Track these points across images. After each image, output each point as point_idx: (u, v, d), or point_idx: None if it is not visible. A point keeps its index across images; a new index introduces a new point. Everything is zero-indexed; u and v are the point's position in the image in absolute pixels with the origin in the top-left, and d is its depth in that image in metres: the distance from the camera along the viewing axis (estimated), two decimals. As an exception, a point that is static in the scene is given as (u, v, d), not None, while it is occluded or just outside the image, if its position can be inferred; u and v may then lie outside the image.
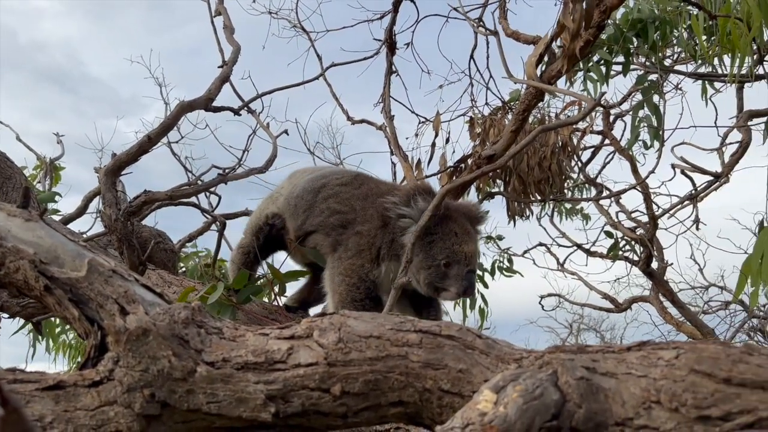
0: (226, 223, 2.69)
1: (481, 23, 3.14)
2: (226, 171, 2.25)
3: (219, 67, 2.31)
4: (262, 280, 2.23)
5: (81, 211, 3.19)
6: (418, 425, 1.09)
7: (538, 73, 2.59)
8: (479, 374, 1.03)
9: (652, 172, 3.55)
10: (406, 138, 3.76)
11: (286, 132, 2.74)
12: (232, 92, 2.82)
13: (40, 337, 4.08)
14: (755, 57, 3.54)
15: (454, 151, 3.86)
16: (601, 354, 0.97)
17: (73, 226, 3.25)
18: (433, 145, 3.34)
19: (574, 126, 3.78)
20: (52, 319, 3.67)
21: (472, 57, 3.41)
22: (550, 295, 5.09)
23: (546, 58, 2.58)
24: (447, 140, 3.66)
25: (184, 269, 4.05)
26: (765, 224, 2.67)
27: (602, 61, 3.45)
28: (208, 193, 2.98)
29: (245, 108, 2.58)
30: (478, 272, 3.21)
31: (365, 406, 1.05)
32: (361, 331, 1.08)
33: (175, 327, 1.10)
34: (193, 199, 3.55)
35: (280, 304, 2.16)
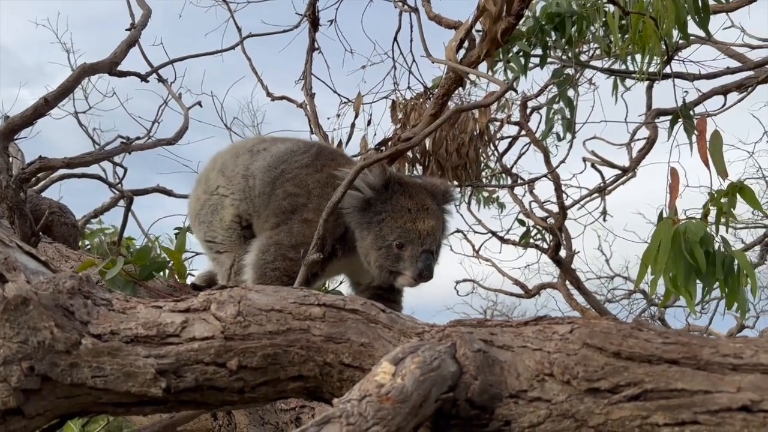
0: (133, 198, 2.56)
1: (405, 2, 3.13)
2: (131, 140, 2.13)
3: (127, 30, 2.18)
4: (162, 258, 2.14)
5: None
6: (317, 400, 1.07)
7: (459, 58, 2.60)
8: (381, 348, 1.01)
9: (563, 162, 3.67)
10: (328, 118, 3.71)
11: (199, 104, 2.64)
12: (145, 63, 2.69)
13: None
14: (664, 57, 3.70)
15: (375, 134, 3.86)
16: (499, 328, 0.98)
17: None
18: (353, 126, 3.33)
19: (492, 116, 3.85)
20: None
21: (395, 39, 3.40)
22: (465, 280, 5.18)
23: (466, 44, 2.60)
24: (369, 122, 3.65)
25: (89, 246, 3.85)
26: (664, 216, 2.81)
27: (521, 53, 3.52)
28: (113, 166, 2.83)
29: (155, 75, 2.46)
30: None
31: (263, 381, 1.02)
32: (262, 305, 1.04)
33: (59, 297, 1.02)
34: (101, 173, 3.37)
35: (179, 282, 2.07)
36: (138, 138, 2.17)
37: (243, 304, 1.03)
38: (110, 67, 2.04)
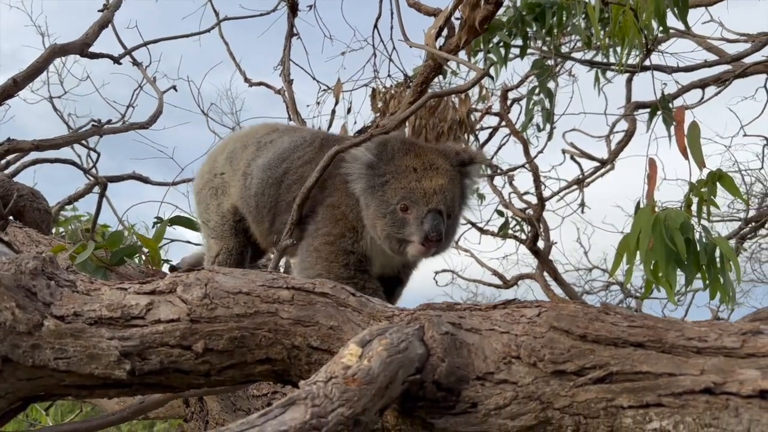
0: (107, 184, 2.52)
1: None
2: (102, 123, 2.09)
3: (99, 11, 2.14)
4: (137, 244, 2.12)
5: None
6: (285, 383, 1.06)
7: (438, 46, 2.59)
8: (350, 331, 1.01)
9: (541, 152, 3.68)
10: (307, 105, 3.69)
11: (174, 88, 2.60)
12: (119, 46, 2.64)
13: None
14: (644, 49, 3.72)
15: (355, 122, 3.83)
16: (468, 311, 0.98)
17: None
18: (333, 113, 3.30)
19: (472, 106, 3.84)
20: None
21: (375, 26, 3.38)
22: (444, 271, 5.20)
23: (446, 32, 2.59)
24: (349, 110, 3.63)
25: (63, 233, 3.80)
26: (641, 206, 2.83)
27: (501, 43, 3.51)
28: (88, 152, 2.78)
29: (129, 58, 2.41)
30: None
31: (230, 363, 1.01)
32: (230, 287, 1.03)
33: (22, 278, 1.00)
34: (75, 159, 3.31)
35: (153, 269, 2.05)
36: (110, 121, 2.13)
37: (210, 287, 1.01)
38: (82, 48, 2.00)
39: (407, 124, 3.19)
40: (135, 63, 2.45)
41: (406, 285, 2.02)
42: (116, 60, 2.26)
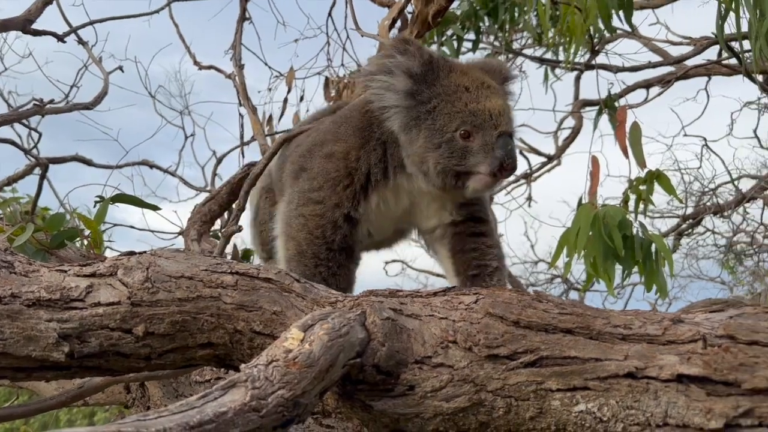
0: (48, 165, 2.45)
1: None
2: (44, 103, 2.03)
3: (43, -14, 2.07)
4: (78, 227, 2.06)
5: None
6: (227, 368, 1.07)
7: (391, 38, 2.61)
8: (294, 316, 1.02)
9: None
10: (259, 92, 3.65)
11: (120, 68, 2.54)
12: (64, 24, 2.56)
13: None
14: (590, 48, 3.82)
15: (308, 110, 3.82)
16: (410, 298, 1.00)
17: None
18: (285, 101, 3.28)
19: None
20: None
21: (330, 14, 3.38)
22: (394, 261, 5.25)
23: (399, 24, 2.60)
24: (301, 98, 3.62)
25: (1, 215, 3.67)
26: (583, 203, 2.92)
27: (455, 36, 3.56)
28: (29, 132, 2.70)
29: (74, 37, 2.34)
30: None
31: (171, 347, 1.01)
32: (172, 271, 1.03)
33: (-45, 258, 0.98)
34: (16, 139, 3.20)
35: (95, 253, 2.00)
36: (53, 101, 2.07)
37: (152, 270, 1.01)
38: (24, 24, 1.93)
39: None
40: (80, 42, 2.38)
41: (486, 221, 1.68)
42: (60, 38, 2.19)
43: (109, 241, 2.41)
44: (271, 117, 3.32)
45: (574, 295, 6.01)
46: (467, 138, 1.38)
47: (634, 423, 0.81)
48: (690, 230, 6.02)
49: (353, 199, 1.50)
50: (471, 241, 1.57)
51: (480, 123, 1.37)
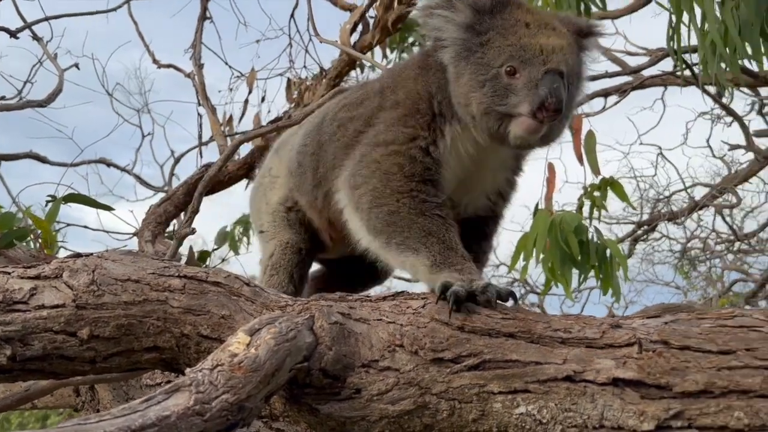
0: (0, 162, 2.39)
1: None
2: (-5, 99, 1.98)
3: (-5, -20, 2.02)
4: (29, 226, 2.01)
5: None
6: (174, 371, 1.07)
7: (353, 41, 2.62)
8: (242, 320, 1.02)
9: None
10: (219, 91, 3.62)
11: (76, 66, 2.49)
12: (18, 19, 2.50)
13: None
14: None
15: (269, 111, 3.81)
16: (359, 302, 1.01)
17: None
18: (246, 102, 3.27)
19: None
20: None
21: (292, 16, 3.37)
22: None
23: (361, 28, 2.62)
24: (263, 99, 3.60)
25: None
26: (540, 209, 2.97)
27: (417, 43, 3.59)
28: (-20, 127, 2.61)
29: (29, 32, 2.29)
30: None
31: (117, 351, 1.00)
32: (119, 274, 1.02)
33: None
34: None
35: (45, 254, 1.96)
36: (4, 97, 2.01)
37: (97, 273, 1.00)
38: (-26, 18, 1.88)
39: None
40: (35, 38, 2.33)
41: (499, 222, 1.55)
42: (13, 34, 2.14)
43: (63, 241, 2.36)
44: (231, 117, 3.30)
45: (533, 298, 6.11)
46: (512, 75, 1.23)
47: (572, 425, 0.84)
48: (645, 236, 6.18)
49: (429, 129, 1.34)
50: (472, 241, 1.44)
51: (528, 58, 1.22)
